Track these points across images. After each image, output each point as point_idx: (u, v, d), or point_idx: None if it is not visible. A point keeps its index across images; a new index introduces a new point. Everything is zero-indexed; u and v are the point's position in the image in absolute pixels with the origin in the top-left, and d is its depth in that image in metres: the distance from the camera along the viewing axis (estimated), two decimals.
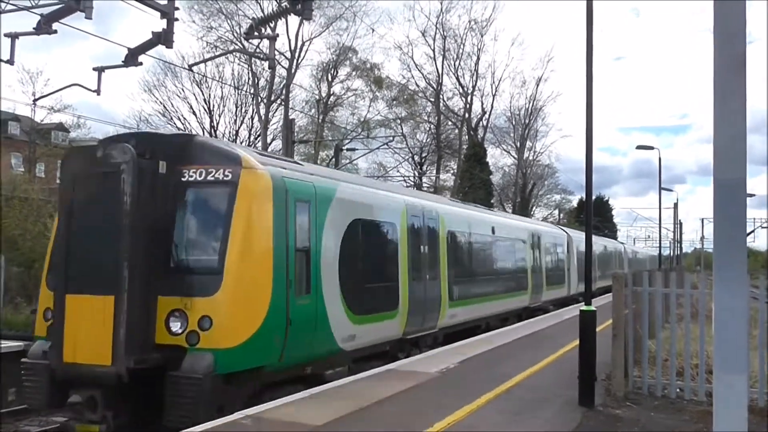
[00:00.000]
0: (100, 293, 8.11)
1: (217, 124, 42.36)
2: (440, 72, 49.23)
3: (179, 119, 41.53)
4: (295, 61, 38.58)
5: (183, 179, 8.98)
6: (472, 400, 8.75)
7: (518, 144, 60.67)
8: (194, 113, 41.98)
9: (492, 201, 50.31)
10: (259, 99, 40.10)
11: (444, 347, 14.03)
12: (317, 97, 43.32)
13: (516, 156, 61.25)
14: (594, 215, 12.65)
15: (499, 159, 62.25)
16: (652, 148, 37.94)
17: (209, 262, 8.70)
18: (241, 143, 41.61)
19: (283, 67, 37.56)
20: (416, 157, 51.30)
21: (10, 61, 14.52)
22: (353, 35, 42.47)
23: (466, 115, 51.96)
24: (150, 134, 14.65)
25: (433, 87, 49.51)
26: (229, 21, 38.32)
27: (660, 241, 46.06)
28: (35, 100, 35.35)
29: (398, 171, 46.81)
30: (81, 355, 8.09)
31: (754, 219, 66.01)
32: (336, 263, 10.67)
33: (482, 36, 50.45)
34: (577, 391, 8.83)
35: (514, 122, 59.77)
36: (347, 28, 41.68)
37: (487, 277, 18.79)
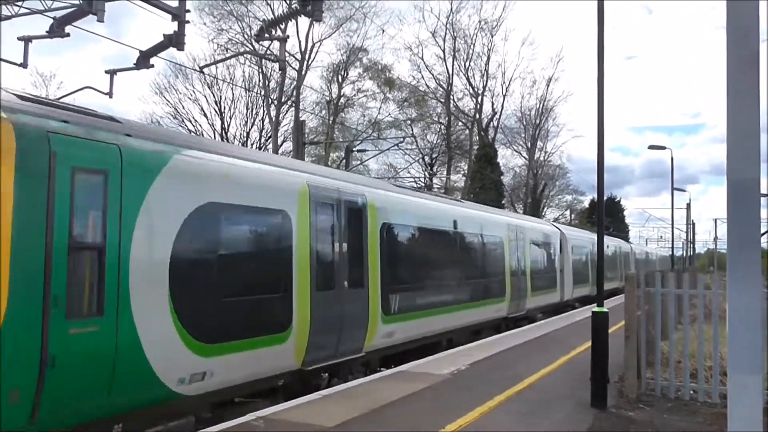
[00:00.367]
0: None
1: (228, 125, 42.53)
2: (450, 72, 49.23)
3: (190, 121, 41.75)
4: (305, 62, 38.68)
5: None
6: (484, 401, 8.73)
7: (529, 144, 60.51)
8: (205, 115, 42.18)
9: (503, 202, 50.14)
10: (270, 101, 40.21)
11: (453, 350, 13.99)
12: (328, 98, 43.41)
13: (527, 156, 61.09)
14: (606, 216, 11.73)
15: (509, 160, 62.10)
16: (664, 147, 37.78)
17: None
18: (252, 145, 41.77)
19: (293, 68, 37.66)
20: (427, 158, 51.28)
21: (24, 65, 14.66)
22: (363, 36, 42.62)
23: (477, 116, 51.87)
24: None
25: (443, 88, 49.49)
26: (239, 23, 38.51)
27: (672, 241, 45.84)
28: None
29: (408, 172, 46.86)
30: None
31: None
32: (165, 268, 7.27)
33: (492, 36, 50.43)
34: (589, 392, 8.79)
35: (524, 122, 59.63)
36: (357, 29, 41.83)
37: (445, 283, 15.02)
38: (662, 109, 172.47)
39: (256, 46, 27.90)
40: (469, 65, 50.47)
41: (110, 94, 15.49)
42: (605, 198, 10.50)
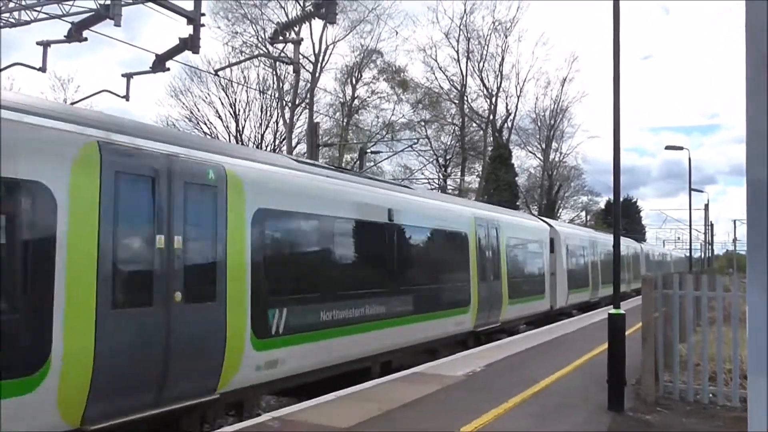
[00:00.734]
0: None
1: (243, 128, 42.74)
2: (464, 74, 49.17)
3: (205, 124, 41.99)
4: (319, 64, 38.83)
5: None
6: (499, 403, 8.69)
7: (544, 145, 60.23)
8: (220, 118, 42.42)
9: (518, 203, 49.95)
10: (284, 103, 40.37)
11: (468, 351, 13.95)
12: (342, 100, 43.49)
13: (542, 157, 60.83)
14: (621, 217, 10.67)
15: (524, 161, 61.81)
16: (681, 148, 37.42)
17: None
18: (266, 147, 41.94)
19: (307, 70, 37.77)
20: (441, 160, 51.23)
21: (43, 69, 14.87)
22: (377, 38, 42.66)
23: (491, 117, 51.72)
24: None
25: (457, 89, 49.42)
26: (253, 26, 38.74)
27: (690, 243, 45.34)
28: None
29: (423, 173, 46.84)
30: None
31: None
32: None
33: (506, 37, 50.27)
34: (606, 395, 8.71)
35: (539, 123, 59.38)
36: (371, 31, 41.89)
37: (374, 290, 11.50)
38: (680, 110, 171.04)
39: (270, 48, 28.01)
40: (483, 66, 50.42)
41: (127, 98, 15.65)
42: (621, 199, 10.42)
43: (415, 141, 39.75)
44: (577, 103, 72.78)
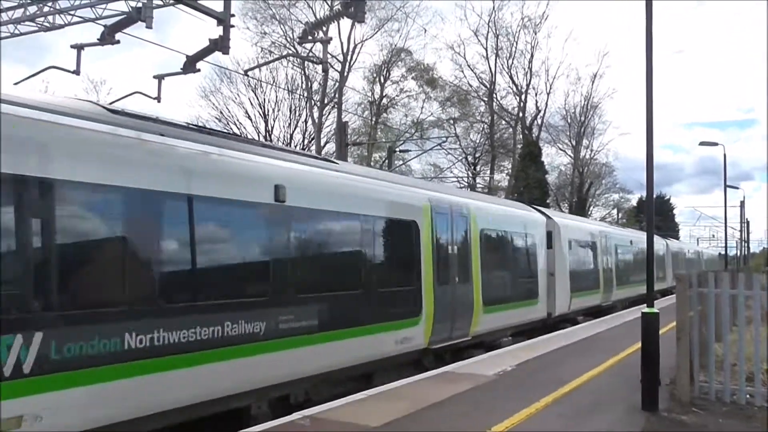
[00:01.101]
0: None
1: (272, 128, 43.04)
2: (493, 71, 48.78)
3: (235, 124, 42.37)
4: (347, 63, 38.91)
5: None
6: (531, 403, 8.61)
7: (574, 142, 59.57)
8: (249, 118, 42.77)
9: (548, 201, 49.47)
10: (313, 102, 40.55)
11: (499, 350, 13.86)
12: (370, 99, 43.54)
13: (572, 155, 60.17)
14: (655, 214, 9.75)
15: (554, 158, 61.16)
16: (715, 144, 36.85)
17: None
18: (296, 147, 42.19)
19: (335, 70, 37.87)
20: (470, 158, 50.98)
21: (77, 72, 15.13)
22: (405, 36, 42.60)
23: (520, 114, 51.31)
24: None
25: (486, 86, 49.08)
26: (282, 26, 39.00)
27: (726, 240, 44.49)
28: None
29: (452, 171, 46.65)
30: None
31: None
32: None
33: (536, 33, 49.77)
34: (639, 395, 8.59)
35: (569, 120, 58.74)
36: (399, 29, 41.86)
37: (239, 301, 8.08)
38: (714, 105, 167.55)
39: (299, 48, 28.19)
40: (512, 63, 49.96)
41: (158, 99, 15.85)
42: (654, 196, 10.23)
43: (444, 139, 39.57)
44: (608, 99, 71.83)
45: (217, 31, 13.45)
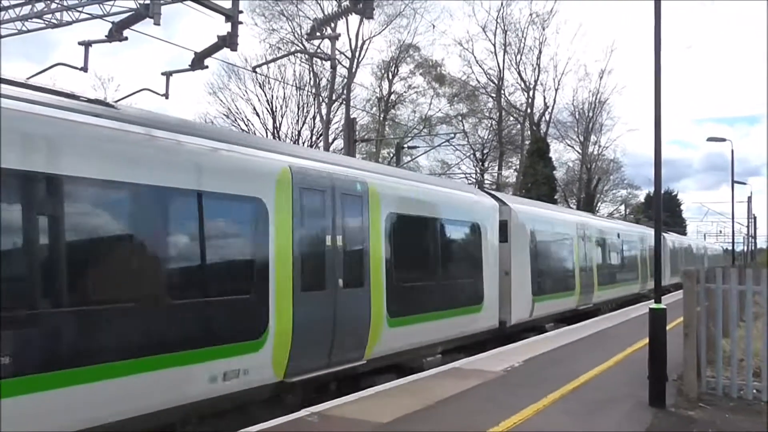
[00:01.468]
0: None
1: (280, 124, 43.12)
2: (501, 67, 48.71)
3: (243, 120, 42.48)
4: (355, 60, 38.94)
5: None
6: (539, 399, 8.63)
7: (582, 138, 59.36)
8: (257, 114, 42.87)
9: (556, 197, 49.34)
10: (321, 99, 40.59)
11: (507, 346, 13.85)
12: (378, 95, 43.54)
13: (580, 151, 59.95)
14: (662, 210, 8.88)
15: (562, 154, 60.90)
16: (723, 140, 36.70)
17: None
18: (304, 143, 42.25)
19: (344, 66, 37.94)
20: (478, 154, 50.92)
21: (84, 68, 15.19)
22: (413, 32, 42.58)
23: (528, 110, 51.18)
24: None
25: (494, 82, 49.01)
26: (290, 23, 39.07)
27: (733, 236, 44.28)
28: None
29: (459, 168, 46.62)
30: None
31: None
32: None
33: (544, 29, 49.63)
34: (647, 391, 8.59)
35: (577, 116, 58.52)
36: (407, 25, 41.84)
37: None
38: (723, 100, 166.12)
39: (307, 45, 28.21)
40: (521, 59, 49.88)
41: (166, 96, 15.90)
42: (662, 192, 10.19)
43: (452, 135, 39.53)
44: (616, 95, 71.48)
45: (225, 28, 13.47)
